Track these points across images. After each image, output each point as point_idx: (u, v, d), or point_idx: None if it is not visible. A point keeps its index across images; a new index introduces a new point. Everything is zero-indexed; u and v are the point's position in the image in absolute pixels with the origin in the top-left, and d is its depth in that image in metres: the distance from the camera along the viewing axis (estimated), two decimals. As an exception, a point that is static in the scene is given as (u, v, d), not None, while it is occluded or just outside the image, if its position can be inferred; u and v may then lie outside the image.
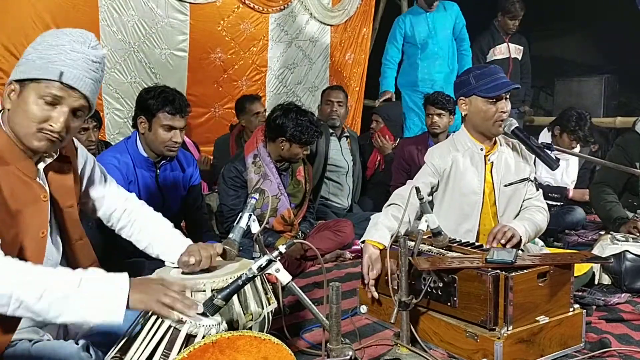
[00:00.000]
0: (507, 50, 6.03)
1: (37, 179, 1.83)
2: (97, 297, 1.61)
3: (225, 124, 5.49)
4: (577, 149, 4.58)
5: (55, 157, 1.90)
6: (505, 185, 2.91)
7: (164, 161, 3.14)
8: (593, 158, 3.72)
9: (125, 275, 1.68)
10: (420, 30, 5.60)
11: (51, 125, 1.74)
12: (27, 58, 1.74)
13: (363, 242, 2.71)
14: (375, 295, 2.70)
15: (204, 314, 1.79)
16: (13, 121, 1.75)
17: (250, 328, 2.13)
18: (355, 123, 6.74)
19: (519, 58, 6.12)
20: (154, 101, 2.91)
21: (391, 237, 2.61)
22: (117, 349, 1.82)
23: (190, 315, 1.68)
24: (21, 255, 1.73)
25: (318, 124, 3.71)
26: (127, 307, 1.64)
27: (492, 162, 2.91)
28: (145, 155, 3.04)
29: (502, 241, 2.64)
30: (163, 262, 2.24)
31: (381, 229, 2.67)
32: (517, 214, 2.95)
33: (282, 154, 3.70)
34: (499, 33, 6.05)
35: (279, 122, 3.61)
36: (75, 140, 2.07)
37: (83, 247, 2.00)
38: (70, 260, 1.98)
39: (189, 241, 2.24)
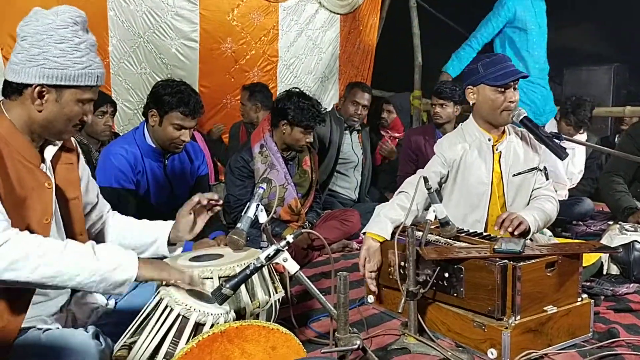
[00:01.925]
0: None
1: (43, 167, 1.87)
2: (111, 257, 1.76)
3: (238, 115, 5.48)
4: (584, 137, 4.53)
5: (60, 143, 1.96)
6: (514, 175, 2.90)
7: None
8: (602, 147, 3.70)
9: (131, 251, 1.85)
10: (528, 17, 5.26)
11: (84, 121, 1.90)
12: (57, 61, 1.76)
13: (364, 233, 2.72)
14: (373, 288, 2.72)
15: (211, 302, 1.81)
16: (48, 120, 1.83)
17: (257, 315, 2.14)
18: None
19: None
20: (169, 98, 2.90)
21: (396, 227, 2.61)
22: (126, 337, 1.84)
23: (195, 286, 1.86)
24: None
25: (320, 109, 3.70)
26: (139, 277, 1.78)
27: (501, 152, 2.90)
28: (154, 145, 3.04)
29: (510, 229, 2.63)
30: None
31: (383, 221, 2.67)
32: (527, 204, 2.94)
33: (284, 139, 3.71)
34: None
35: (281, 106, 3.65)
36: (77, 146, 2.14)
37: (84, 242, 2.02)
38: None
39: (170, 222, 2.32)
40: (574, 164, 4.67)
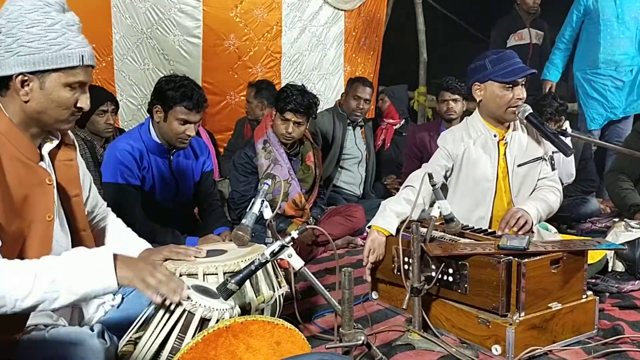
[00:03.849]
0: (528, 36, 5.90)
1: (42, 163, 1.83)
2: (85, 271, 1.61)
3: (241, 111, 5.47)
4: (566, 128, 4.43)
5: (58, 140, 1.90)
6: (519, 166, 2.89)
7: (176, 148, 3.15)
8: (610, 145, 3.68)
9: (107, 247, 1.75)
10: (605, 8, 5.14)
11: (80, 108, 1.81)
12: (30, 46, 1.69)
13: (369, 227, 2.72)
14: (368, 279, 2.76)
15: (216, 297, 1.81)
16: (37, 111, 1.75)
17: (262, 310, 2.15)
18: (370, 109, 6.68)
19: (539, 44, 6.01)
20: (172, 93, 2.90)
21: (402, 221, 2.61)
22: (131, 334, 1.84)
23: (174, 300, 1.69)
24: (30, 240, 1.74)
25: (304, 101, 3.62)
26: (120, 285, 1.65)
27: (506, 143, 2.89)
28: (159, 141, 3.04)
29: (515, 228, 2.62)
30: None
31: (389, 215, 2.67)
32: (530, 194, 2.93)
33: (273, 127, 3.73)
34: (521, 18, 5.96)
35: (279, 90, 3.70)
36: (75, 142, 2.07)
37: (87, 238, 2.00)
38: None
39: (144, 245, 2.24)
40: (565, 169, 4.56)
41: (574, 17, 5.31)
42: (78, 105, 1.79)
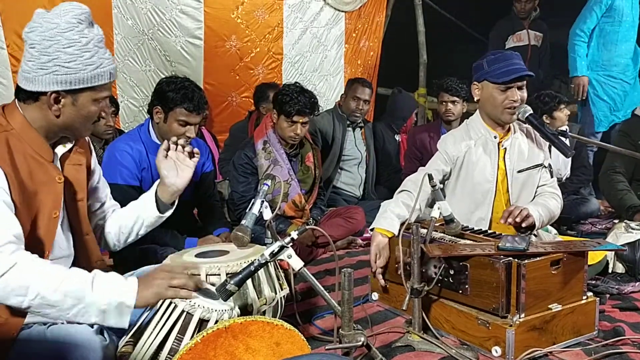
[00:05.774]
0: (527, 37, 5.91)
1: (53, 162, 1.89)
2: (108, 295, 1.68)
3: (243, 112, 5.48)
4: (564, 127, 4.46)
5: (72, 144, 1.97)
6: (518, 172, 2.89)
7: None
8: (606, 144, 3.67)
9: (133, 278, 1.76)
10: (625, 9, 5.12)
11: (103, 117, 1.98)
12: (68, 66, 1.76)
13: (372, 229, 2.71)
14: (383, 282, 2.72)
15: (215, 298, 1.81)
16: (66, 124, 1.85)
17: (264, 312, 2.15)
18: (368, 111, 6.68)
19: (538, 45, 6.01)
20: (173, 94, 2.90)
21: (401, 224, 2.61)
22: (131, 334, 1.84)
23: (201, 288, 1.81)
24: (33, 235, 1.78)
25: (308, 101, 3.63)
26: (138, 306, 1.72)
27: (505, 149, 2.89)
28: (159, 142, 3.05)
29: (518, 219, 2.62)
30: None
31: (390, 217, 2.66)
32: (531, 201, 2.93)
33: (277, 130, 3.72)
34: (519, 19, 5.96)
35: (277, 93, 3.69)
36: (90, 144, 2.14)
37: (91, 242, 2.06)
38: (79, 253, 2.03)
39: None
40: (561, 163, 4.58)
41: (597, 11, 5.20)
42: (101, 115, 1.93)
